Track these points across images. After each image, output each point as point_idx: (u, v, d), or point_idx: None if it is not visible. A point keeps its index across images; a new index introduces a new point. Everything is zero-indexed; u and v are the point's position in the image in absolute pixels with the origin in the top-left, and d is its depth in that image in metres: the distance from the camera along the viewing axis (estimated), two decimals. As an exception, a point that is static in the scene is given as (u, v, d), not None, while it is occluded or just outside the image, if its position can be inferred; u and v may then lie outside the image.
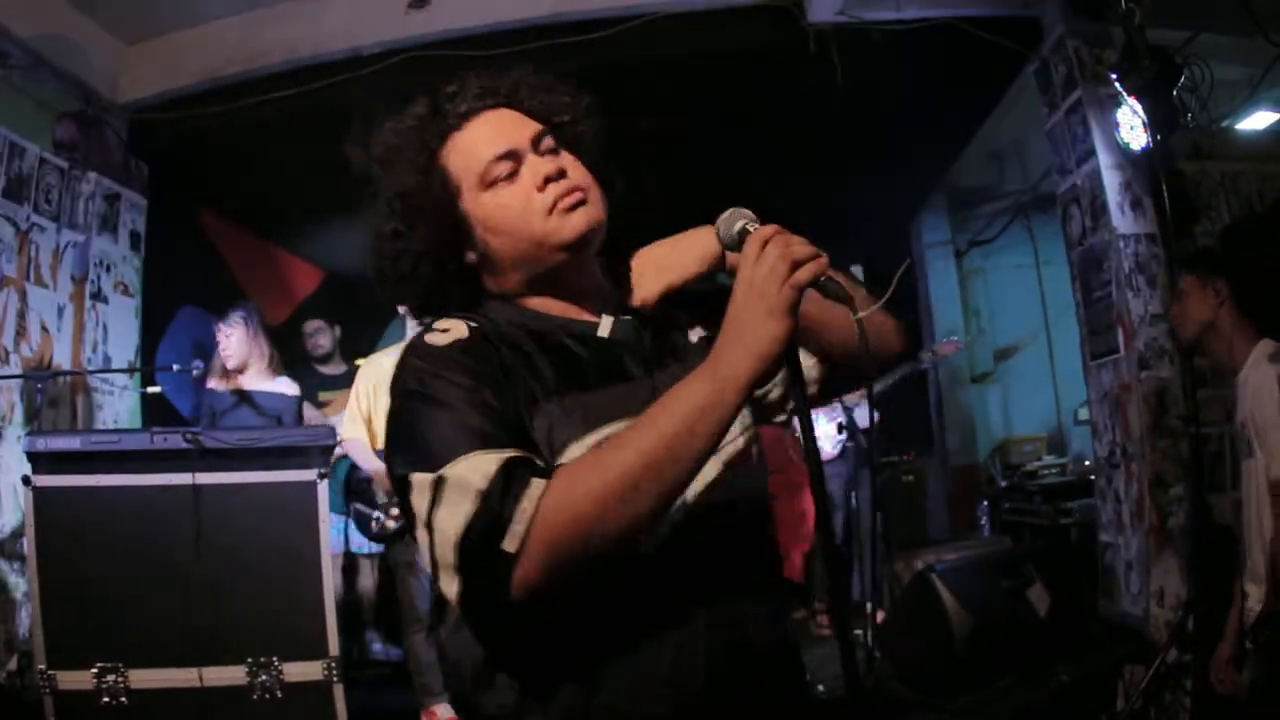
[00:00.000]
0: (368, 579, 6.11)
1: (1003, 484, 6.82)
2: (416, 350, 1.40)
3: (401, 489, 1.29)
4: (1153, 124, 4.07)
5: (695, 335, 1.59)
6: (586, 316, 1.50)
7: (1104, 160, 4.47)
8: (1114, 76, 4.21)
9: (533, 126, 1.48)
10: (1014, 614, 4.03)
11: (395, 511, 4.63)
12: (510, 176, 1.44)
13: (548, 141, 1.47)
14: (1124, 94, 4.16)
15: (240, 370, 5.10)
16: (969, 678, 3.80)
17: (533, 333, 1.45)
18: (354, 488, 4.89)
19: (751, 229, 1.35)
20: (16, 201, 4.68)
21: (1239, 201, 4.58)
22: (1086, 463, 6.16)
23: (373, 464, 4.66)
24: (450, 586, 1.23)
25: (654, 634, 1.33)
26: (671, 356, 1.51)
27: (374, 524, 4.74)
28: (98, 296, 5.25)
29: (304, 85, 5.12)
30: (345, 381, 6.00)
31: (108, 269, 5.35)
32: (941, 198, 8.32)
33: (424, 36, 4.99)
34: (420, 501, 1.25)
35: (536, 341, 1.43)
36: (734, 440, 1.44)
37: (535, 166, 1.44)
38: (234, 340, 4.99)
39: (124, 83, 5.39)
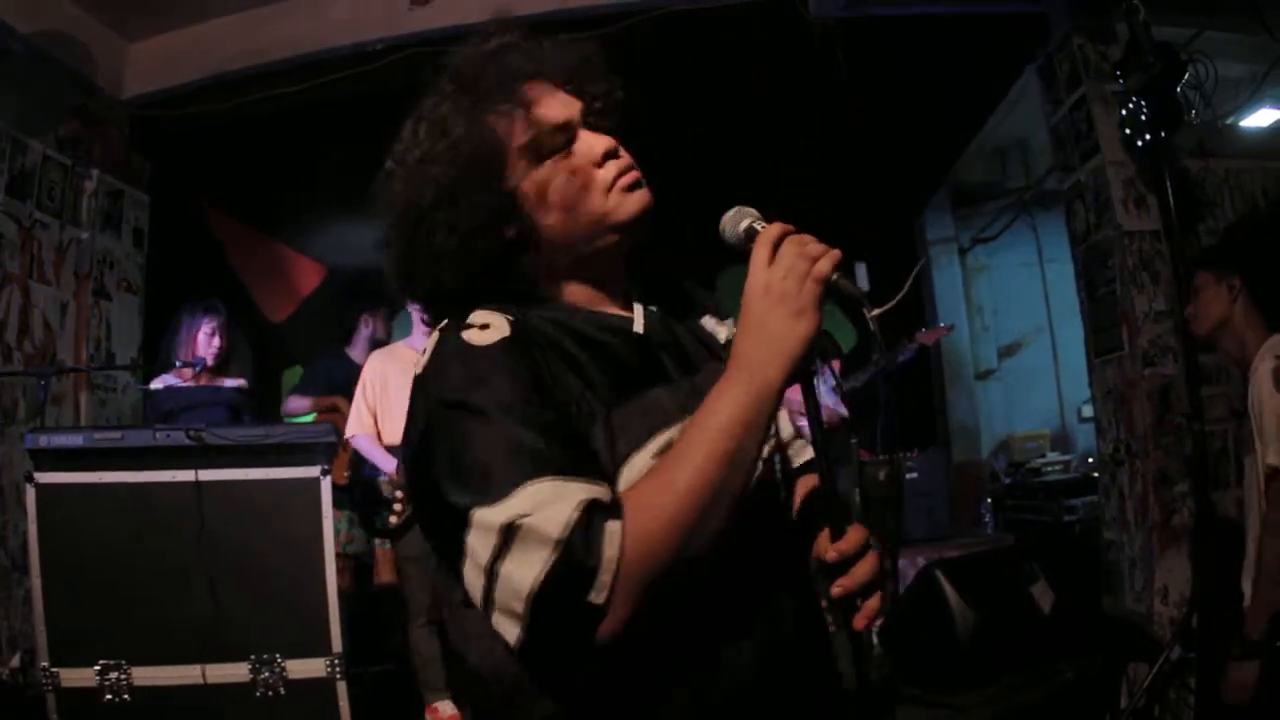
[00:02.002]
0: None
1: (1006, 481, 6.82)
2: (456, 350, 1.26)
3: (454, 522, 1.16)
4: (1157, 121, 4.06)
5: (712, 323, 1.59)
6: (614, 309, 1.44)
7: (1108, 157, 4.46)
8: (1118, 73, 4.20)
9: (579, 102, 1.42)
10: (1018, 611, 4.03)
11: (399, 507, 4.63)
12: (564, 149, 1.37)
13: (594, 119, 1.42)
14: (1128, 91, 4.15)
15: (211, 369, 4.93)
16: (973, 674, 3.80)
17: (571, 331, 1.35)
18: (360, 485, 4.89)
19: (759, 227, 1.33)
20: (20, 198, 4.68)
21: (1243, 198, 4.58)
22: (1090, 460, 6.16)
23: (384, 458, 4.66)
24: (509, 632, 1.13)
25: (709, 644, 1.27)
26: (707, 353, 1.49)
27: (377, 520, 4.70)
28: (101, 293, 5.25)
29: (307, 81, 5.12)
30: None
31: (111, 266, 5.35)
32: (945, 195, 8.31)
33: (428, 32, 4.98)
34: (482, 544, 1.13)
35: (577, 341, 1.34)
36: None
37: (590, 142, 1.38)
38: (224, 340, 4.95)
39: (127, 79, 5.40)
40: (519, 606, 1.10)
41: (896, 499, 4.07)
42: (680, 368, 1.41)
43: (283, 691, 3.71)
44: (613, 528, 1.10)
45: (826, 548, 1.31)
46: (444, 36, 4.95)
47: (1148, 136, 4.14)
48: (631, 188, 1.38)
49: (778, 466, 1.54)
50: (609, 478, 1.20)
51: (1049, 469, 6.57)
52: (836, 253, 1.24)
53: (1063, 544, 5.40)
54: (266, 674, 3.70)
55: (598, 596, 1.08)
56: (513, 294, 1.38)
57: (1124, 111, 4.26)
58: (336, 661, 3.76)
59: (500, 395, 1.19)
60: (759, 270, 1.26)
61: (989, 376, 8.43)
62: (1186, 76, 4.09)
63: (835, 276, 1.24)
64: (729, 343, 1.50)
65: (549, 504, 1.11)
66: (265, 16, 5.20)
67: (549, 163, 1.36)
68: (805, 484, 1.63)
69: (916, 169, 7.26)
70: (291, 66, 5.17)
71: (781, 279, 1.23)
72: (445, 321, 1.32)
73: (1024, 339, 8.37)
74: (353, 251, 8.15)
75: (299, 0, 5.17)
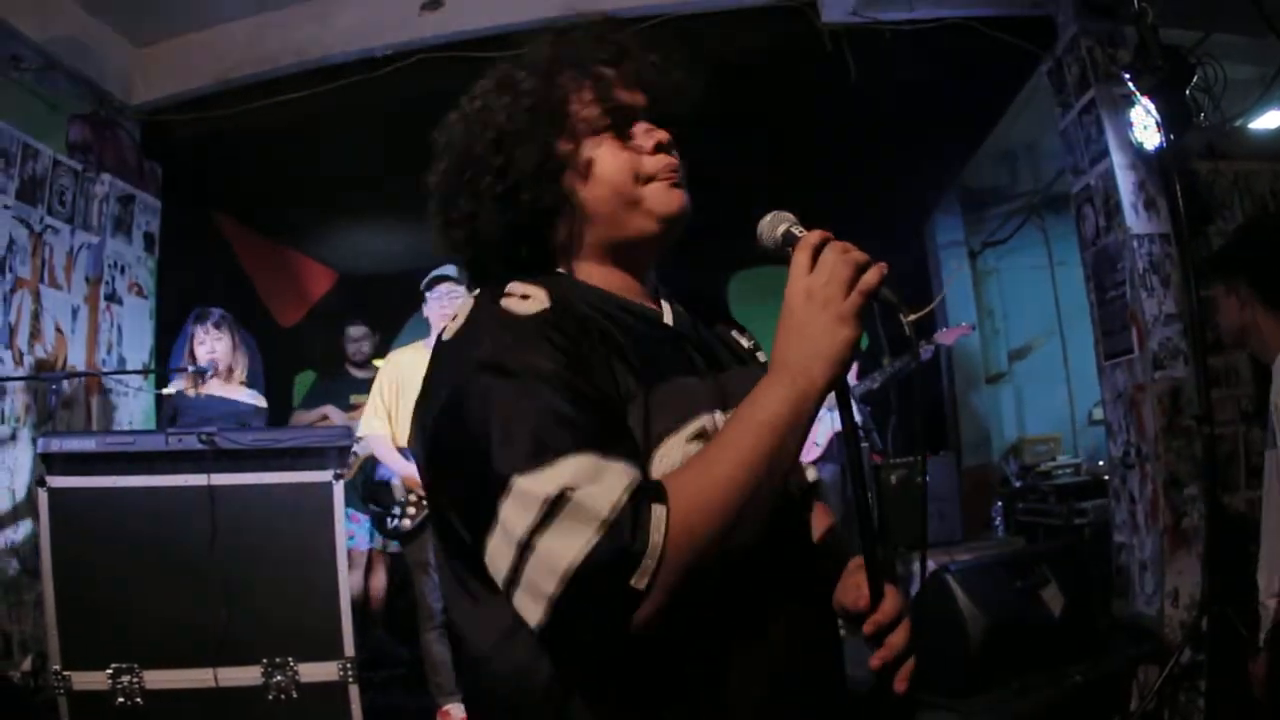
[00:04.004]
0: (381, 578, 6.17)
1: (1017, 484, 6.80)
2: (494, 317, 1.25)
3: (489, 488, 1.13)
4: (1166, 124, 4.06)
5: (735, 333, 1.62)
6: (644, 301, 1.44)
7: (1117, 160, 4.46)
8: (1127, 76, 4.20)
9: (645, 95, 1.43)
10: (1028, 614, 4.01)
11: (413, 510, 4.63)
12: (622, 131, 1.39)
13: (658, 115, 1.43)
14: (1137, 94, 4.15)
15: (216, 376, 4.92)
16: (983, 678, 3.79)
17: (606, 313, 1.34)
18: (370, 485, 4.89)
19: (798, 233, 1.34)
20: (30, 203, 4.69)
21: (1252, 200, 4.56)
22: (1101, 463, 6.14)
23: (396, 461, 4.66)
24: (532, 611, 1.10)
25: (725, 643, 1.25)
26: (732, 356, 1.51)
27: (390, 521, 4.70)
28: (112, 298, 5.27)
29: (316, 87, 5.12)
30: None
31: (122, 270, 5.37)
32: (955, 198, 8.30)
33: (437, 38, 4.99)
34: (519, 515, 1.10)
35: (613, 322, 1.33)
36: None
37: (648, 131, 1.40)
38: (222, 345, 4.93)
39: (137, 85, 5.41)
40: (551, 584, 1.08)
41: (920, 501, 4.03)
42: (708, 364, 1.41)
43: (295, 695, 3.72)
44: (659, 512, 1.10)
45: (855, 598, 1.35)
46: (451, 42, 4.97)
47: (1157, 139, 4.14)
48: (675, 185, 1.39)
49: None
50: (640, 458, 1.18)
51: (1059, 472, 6.55)
52: (883, 265, 1.26)
53: (1073, 547, 5.38)
54: (279, 677, 3.71)
55: (639, 581, 1.07)
56: (540, 266, 1.39)
57: (1133, 114, 4.26)
58: (349, 665, 3.77)
59: (540, 364, 1.17)
60: (800, 275, 1.27)
61: (1000, 380, 8.41)
62: (1195, 79, 4.10)
63: (881, 285, 1.26)
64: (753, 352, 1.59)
65: (593, 480, 1.09)
66: (273, 23, 5.20)
67: (606, 138, 1.38)
68: (821, 514, 1.60)
69: (926, 172, 7.26)
70: (300, 72, 5.17)
71: (824, 284, 1.24)
72: (479, 290, 1.32)
73: (1034, 342, 8.36)
74: (363, 256, 8.20)
75: (308, 7, 5.17)
